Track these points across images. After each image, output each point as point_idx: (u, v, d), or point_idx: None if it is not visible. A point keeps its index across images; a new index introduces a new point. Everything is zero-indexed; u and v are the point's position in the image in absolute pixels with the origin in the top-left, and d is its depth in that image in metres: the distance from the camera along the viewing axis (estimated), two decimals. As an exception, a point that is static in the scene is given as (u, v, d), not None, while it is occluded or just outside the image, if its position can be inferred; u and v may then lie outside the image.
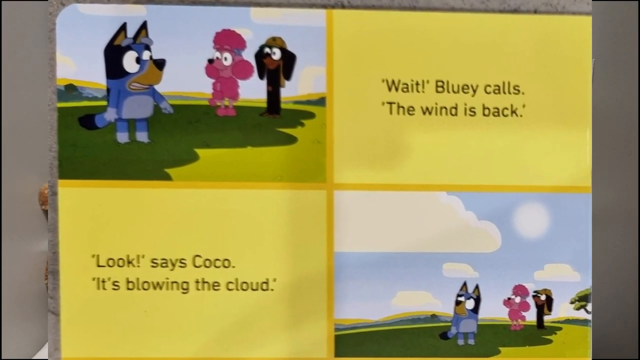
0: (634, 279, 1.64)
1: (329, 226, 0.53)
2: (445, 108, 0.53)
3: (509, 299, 0.54)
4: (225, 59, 0.52)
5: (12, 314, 1.64)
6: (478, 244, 0.54)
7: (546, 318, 0.54)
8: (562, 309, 0.54)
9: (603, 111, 1.82)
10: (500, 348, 0.54)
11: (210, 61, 0.52)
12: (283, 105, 0.52)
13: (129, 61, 0.52)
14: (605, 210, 1.80)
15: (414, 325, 0.54)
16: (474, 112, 0.53)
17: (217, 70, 0.52)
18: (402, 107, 0.53)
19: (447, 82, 0.53)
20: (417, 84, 0.53)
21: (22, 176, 1.71)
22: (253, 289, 0.53)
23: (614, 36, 1.78)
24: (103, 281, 0.52)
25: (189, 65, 0.52)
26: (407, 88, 0.53)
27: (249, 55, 0.52)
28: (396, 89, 0.53)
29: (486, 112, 0.53)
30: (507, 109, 0.53)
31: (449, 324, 0.54)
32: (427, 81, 0.53)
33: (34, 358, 1.72)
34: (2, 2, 1.67)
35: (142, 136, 0.52)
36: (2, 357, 1.45)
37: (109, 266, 0.52)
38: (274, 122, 0.52)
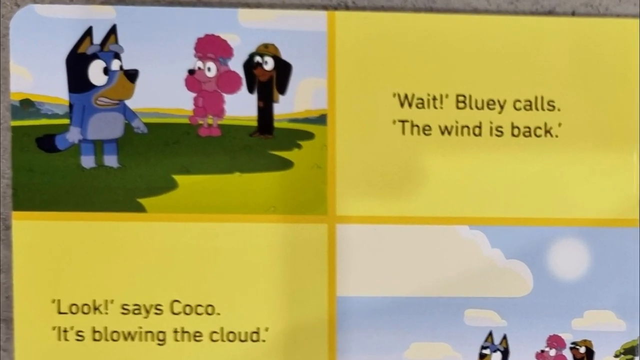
0: None
1: (330, 266, 0.48)
2: (468, 127, 0.48)
3: (543, 351, 0.48)
4: (209, 69, 0.47)
5: None
6: (506, 287, 0.48)
7: None
8: None
9: None
10: None
11: (191, 72, 0.47)
12: (276, 124, 0.48)
13: (96, 72, 0.47)
14: None
15: None
16: (502, 131, 0.48)
17: (199, 82, 0.47)
18: (417, 125, 0.48)
19: (470, 96, 0.48)
20: (435, 98, 0.48)
21: None
22: (241, 340, 0.48)
23: None
24: (65, 331, 0.47)
25: (167, 77, 0.47)
26: (422, 104, 0.48)
27: (236, 65, 0.47)
28: (410, 105, 0.48)
29: (515, 131, 0.48)
30: (540, 128, 0.48)
31: None
32: (446, 95, 0.48)
33: None
34: None
35: (110, 160, 0.47)
36: None
37: (72, 313, 0.47)
38: (266, 143, 0.48)
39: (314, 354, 0.48)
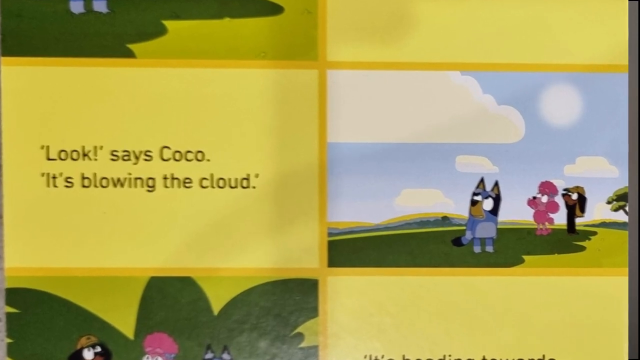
0: (634, 278, 1.66)
1: (321, 112, 0.49)
2: None
3: (535, 198, 0.49)
4: None
5: None
6: (498, 133, 0.50)
7: (578, 221, 0.50)
8: (597, 210, 0.50)
9: None
10: (523, 256, 0.49)
11: None
12: None
13: None
14: None
15: (421, 229, 0.50)
16: None
17: None
18: None
19: None
20: None
21: None
22: (231, 187, 0.49)
23: None
24: (54, 177, 0.48)
25: None
26: None
27: None
28: None
29: None
30: None
31: (463, 227, 0.49)
32: None
33: None
34: None
35: (99, 5, 0.47)
36: None
37: (61, 159, 0.48)
38: None
39: (304, 200, 0.49)
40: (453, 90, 0.49)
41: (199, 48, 0.48)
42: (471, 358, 0.49)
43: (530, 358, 0.49)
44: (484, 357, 0.49)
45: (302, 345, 0.49)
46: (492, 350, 0.49)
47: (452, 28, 0.49)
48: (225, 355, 0.49)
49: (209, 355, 0.50)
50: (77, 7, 0.47)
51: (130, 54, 0.48)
